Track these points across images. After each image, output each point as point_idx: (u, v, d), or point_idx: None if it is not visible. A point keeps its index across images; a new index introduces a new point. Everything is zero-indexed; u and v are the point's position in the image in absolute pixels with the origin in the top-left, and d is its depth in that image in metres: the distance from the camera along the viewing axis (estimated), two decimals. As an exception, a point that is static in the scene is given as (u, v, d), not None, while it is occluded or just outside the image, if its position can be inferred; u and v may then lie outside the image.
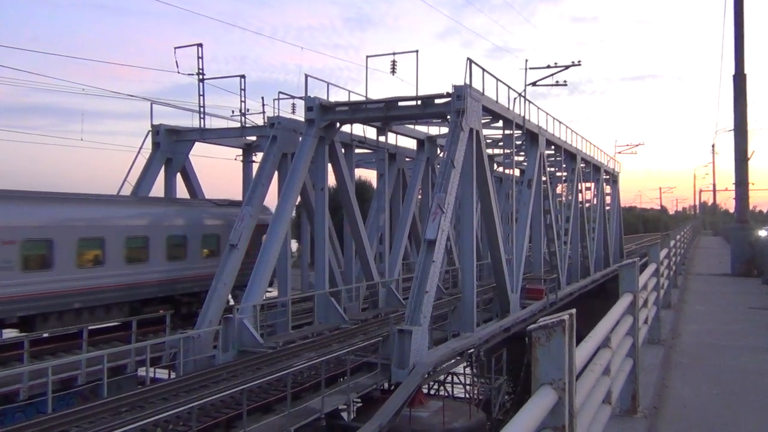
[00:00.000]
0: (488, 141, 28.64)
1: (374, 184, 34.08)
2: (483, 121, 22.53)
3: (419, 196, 31.30)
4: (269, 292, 23.90)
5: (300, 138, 22.72)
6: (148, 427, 11.70)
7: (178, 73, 25.32)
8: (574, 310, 3.15)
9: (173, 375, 17.65)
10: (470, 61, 20.35)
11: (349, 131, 25.82)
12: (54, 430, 12.07)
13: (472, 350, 19.53)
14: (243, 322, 18.69)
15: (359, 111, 22.99)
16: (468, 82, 20.07)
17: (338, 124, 23.65)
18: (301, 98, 23.41)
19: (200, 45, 25.48)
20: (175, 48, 25.18)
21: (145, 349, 16.69)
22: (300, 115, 23.47)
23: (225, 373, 16.22)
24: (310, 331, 21.24)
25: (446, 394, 20.56)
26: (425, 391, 19.30)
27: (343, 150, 24.78)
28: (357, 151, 27.69)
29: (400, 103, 22.18)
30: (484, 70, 21.47)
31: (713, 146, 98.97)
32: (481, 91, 21.15)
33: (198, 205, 25.27)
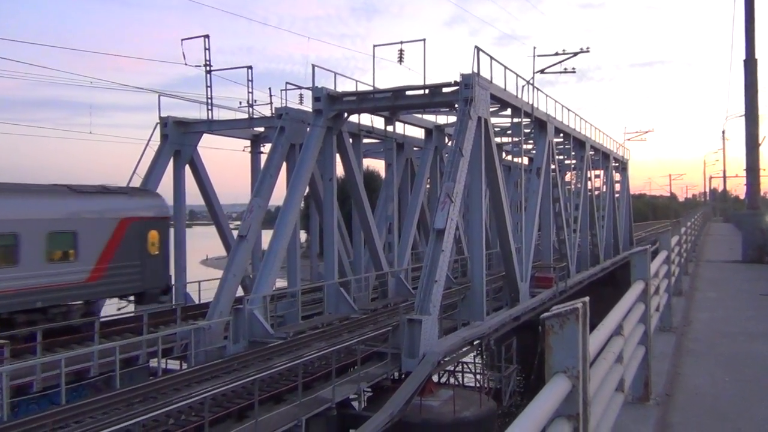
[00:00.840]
0: (496, 129, 28.48)
1: (382, 173, 34.07)
2: (491, 110, 22.41)
3: (428, 186, 31.23)
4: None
5: (308, 128, 22.71)
6: (161, 418, 11.82)
7: (186, 64, 25.26)
8: (587, 298, 3.13)
9: (185, 366, 17.78)
10: (478, 49, 20.23)
11: (357, 121, 25.77)
12: (67, 421, 12.19)
13: (481, 339, 19.53)
14: (253, 313, 18.78)
15: (367, 101, 22.92)
16: (476, 70, 19.95)
17: (346, 114, 23.60)
18: (308, 89, 23.38)
19: (207, 36, 25.39)
20: (182, 40, 25.13)
21: (156, 341, 16.81)
22: (307, 106, 23.45)
23: (236, 363, 16.33)
24: (320, 321, 21.30)
25: (456, 383, 20.58)
26: (435, 380, 19.32)
27: (351, 140, 24.76)
28: (365, 141, 27.64)
29: (408, 92, 22.09)
30: (491, 58, 21.35)
31: (723, 132, 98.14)
32: (489, 79, 21.03)
33: (45, 193, 19.46)
